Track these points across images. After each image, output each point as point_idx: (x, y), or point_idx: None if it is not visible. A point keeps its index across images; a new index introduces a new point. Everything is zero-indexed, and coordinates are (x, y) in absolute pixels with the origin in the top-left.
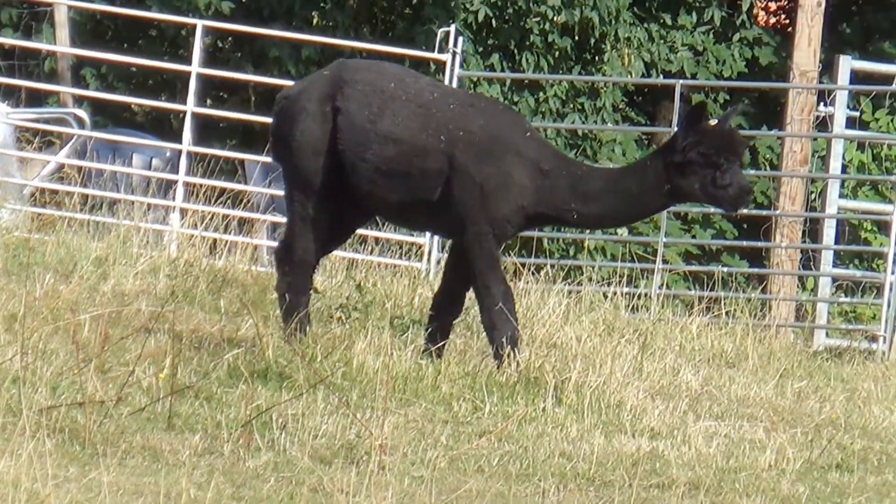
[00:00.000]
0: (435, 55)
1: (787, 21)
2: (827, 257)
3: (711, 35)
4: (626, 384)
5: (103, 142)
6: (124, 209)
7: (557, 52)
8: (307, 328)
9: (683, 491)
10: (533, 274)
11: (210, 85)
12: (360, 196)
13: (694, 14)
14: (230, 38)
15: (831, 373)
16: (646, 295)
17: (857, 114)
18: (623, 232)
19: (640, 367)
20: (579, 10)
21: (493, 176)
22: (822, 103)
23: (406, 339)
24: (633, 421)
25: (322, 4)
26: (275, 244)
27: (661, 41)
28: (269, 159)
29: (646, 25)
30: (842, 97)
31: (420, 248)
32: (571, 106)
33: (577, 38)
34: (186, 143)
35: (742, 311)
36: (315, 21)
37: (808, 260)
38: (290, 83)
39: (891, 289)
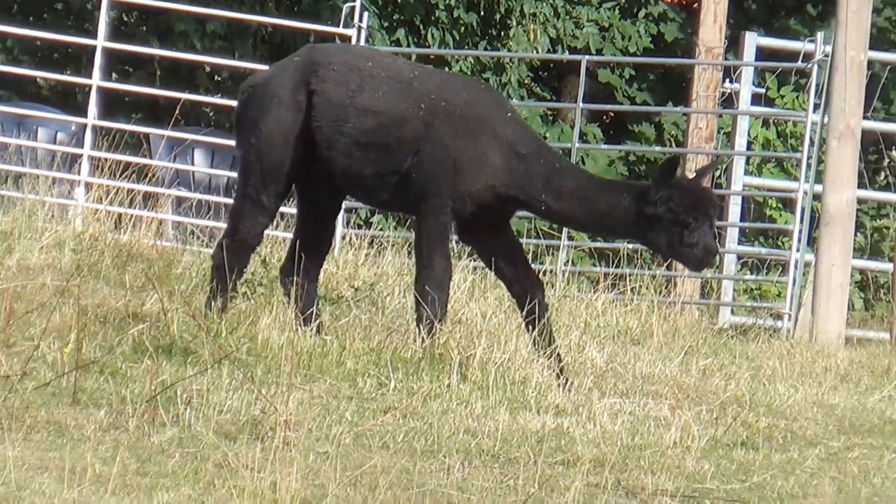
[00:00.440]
0: (340, 30)
1: None
2: (732, 234)
3: (617, 11)
4: (531, 361)
5: (8, 115)
6: (29, 183)
7: (463, 28)
8: (227, 307)
9: (588, 468)
10: None
11: (115, 59)
12: (335, 173)
13: None
14: (135, 12)
15: (736, 350)
16: (551, 271)
17: (762, 90)
18: None
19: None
20: None
21: (466, 151)
22: (727, 80)
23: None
24: (538, 398)
25: None
26: (180, 218)
27: (567, 17)
28: (174, 133)
29: (552, 1)
30: (747, 74)
31: None
32: None
33: (482, 13)
34: (92, 117)
35: (647, 288)
36: None
37: (713, 237)
38: (194, 57)
39: (796, 266)
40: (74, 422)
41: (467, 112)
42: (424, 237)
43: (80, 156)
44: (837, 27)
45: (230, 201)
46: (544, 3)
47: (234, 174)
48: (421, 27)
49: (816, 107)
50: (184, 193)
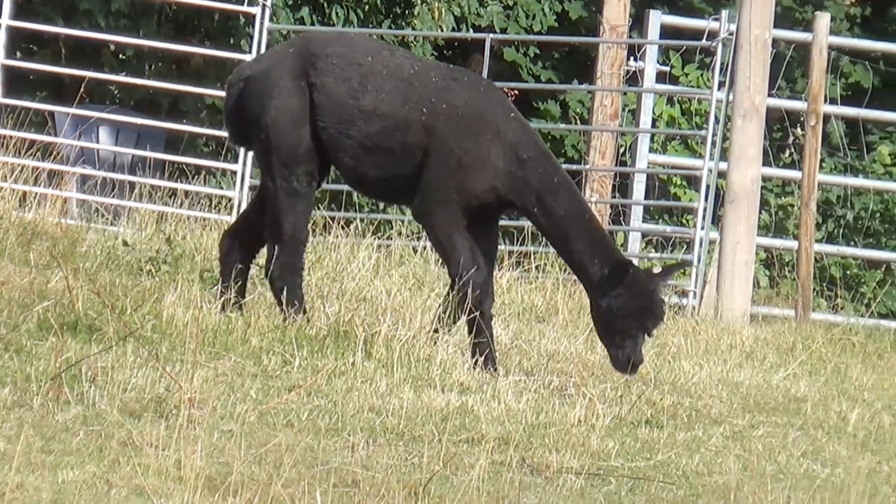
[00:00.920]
0: (244, 8)
1: None
2: (637, 212)
3: None
4: (436, 339)
5: None
6: None
7: (367, 6)
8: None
9: (493, 446)
10: (343, 228)
11: (20, 37)
12: (340, 172)
13: None
14: None
15: None
16: None
17: (667, 68)
18: None
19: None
20: None
21: (470, 151)
22: (632, 58)
23: (215, 292)
24: (443, 376)
25: None
26: (85, 196)
27: None
28: (79, 111)
29: None
30: (652, 52)
31: (229, 201)
32: None
33: None
34: None
35: (552, 266)
36: None
37: (618, 215)
38: (99, 35)
39: (700, 244)
40: None
41: (470, 112)
42: (439, 230)
43: None
44: (742, 5)
45: (135, 179)
46: None
47: (139, 152)
48: (325, 5)
49: (721, 85)
50: (88, 171)
